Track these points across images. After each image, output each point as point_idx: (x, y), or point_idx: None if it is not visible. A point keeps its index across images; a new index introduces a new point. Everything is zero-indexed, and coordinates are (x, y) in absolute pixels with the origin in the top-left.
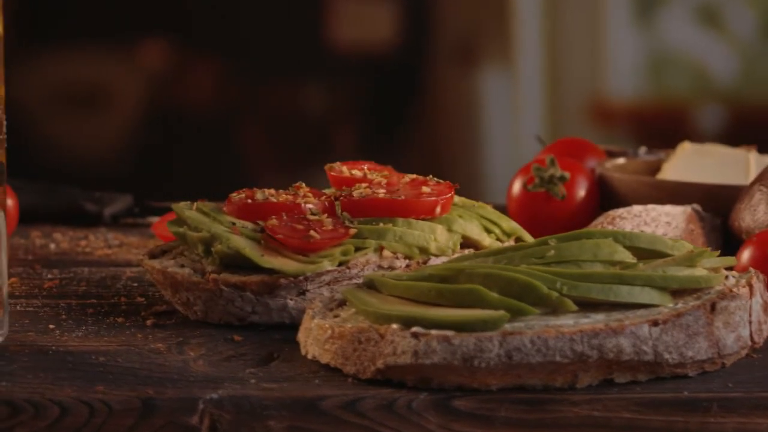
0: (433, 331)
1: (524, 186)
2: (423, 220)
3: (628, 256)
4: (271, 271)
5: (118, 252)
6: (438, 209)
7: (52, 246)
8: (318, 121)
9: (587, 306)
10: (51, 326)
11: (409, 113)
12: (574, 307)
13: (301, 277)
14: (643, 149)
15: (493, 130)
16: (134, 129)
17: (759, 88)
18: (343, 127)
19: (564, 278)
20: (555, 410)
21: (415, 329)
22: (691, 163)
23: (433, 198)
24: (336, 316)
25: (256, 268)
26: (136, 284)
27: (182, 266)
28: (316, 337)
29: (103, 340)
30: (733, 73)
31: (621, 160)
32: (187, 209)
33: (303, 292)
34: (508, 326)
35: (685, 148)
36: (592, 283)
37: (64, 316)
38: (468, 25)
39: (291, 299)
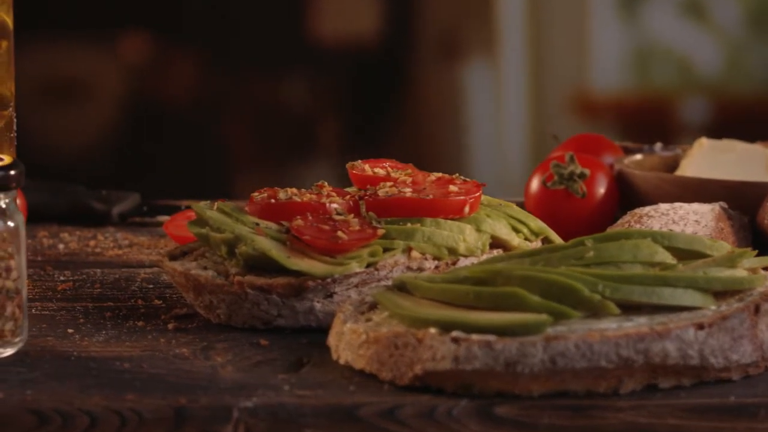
0: (474, 336)
1: (543, 183)
2: (451, 220)
3: (668, 257)
4: (297, 273)
5: (129, 252)
6: (467, 209)
7: (61, 246)
8: (301, 115)
9: (628, 308)
10: (70, 330)
11: (392, 107)
12: (617, 310)
13: (328, 280)
14: (658, 145)
15: (477, 123)
16: (113, 123)
17: (744, 80)
18: (326, 120)
19: (605, 280)
20: (599, 417)
21: (455, 334)
22: (711, 159)
23: (462, 197)
24: (368, 320)
25: (281, 270)
26: (151, 286)
27: (205, 268)
28: (349, 341)
29: (125, 345)
30: (717, 65)
31: (638, 157)
32: (207, 209)
33: (330, 295)
34: (550, 330)
35: (703, 144)
36: (634, 285)
37: (82, 320)
38: (451, 17)
39: (318, 302)
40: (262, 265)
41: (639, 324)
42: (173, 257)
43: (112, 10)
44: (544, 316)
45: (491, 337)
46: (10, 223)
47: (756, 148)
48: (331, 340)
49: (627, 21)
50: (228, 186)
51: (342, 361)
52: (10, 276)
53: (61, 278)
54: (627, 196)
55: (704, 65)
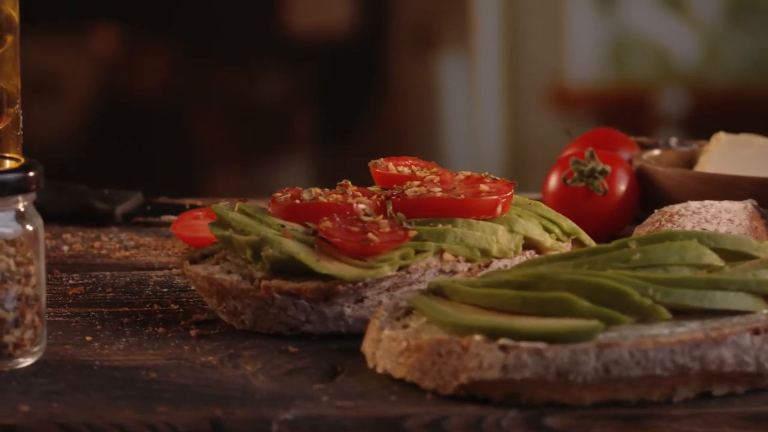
0: (523, 344)
1: (563, 180)
2: (483, 220)
3: (715, 259)
4: (327, 277)
5: (137, 254)
6: (499, 209)
7: (65, 248)
8: (274, 109)
9: (676, 312)
10: (88, 338)
11: (366, 100)
12: (668, 315)
13: (359, 284)
14: (673, 140)
15: (452, 115)
16: (83, 118)
17: (722, 71)
18: (300, 114)
19: (655, 284)
20: (653, 426)
21: (502, 341)
22: (730, 155)
23: (494, 197)
24: (405, 327)
25: (309, 274)
26: (165, 290)
27: (229, 272)
28: (388, 349)
29: (148, 354)
30: (695, 56)
31: (656, 152)
32: (229, 210)
33: (361, 299)
34: (601, 337)
35: (721, 139)
36: (685, 288)
37: (98, 327)
38: (426, 9)
39: (348, 307)
40: (288, 268)
41: (692, 330)
42: (193, 261)
43: (83, 2)
44: (595, 322)
45: (541, 345)
46: (29, 227)
47: None
48: (366, 347)
49: (604, 12)
50: (200, 181)
51: (380, 370)
52: (29, 282)
53: (71, 282)
54: (648, 193)
55: (682, 57)
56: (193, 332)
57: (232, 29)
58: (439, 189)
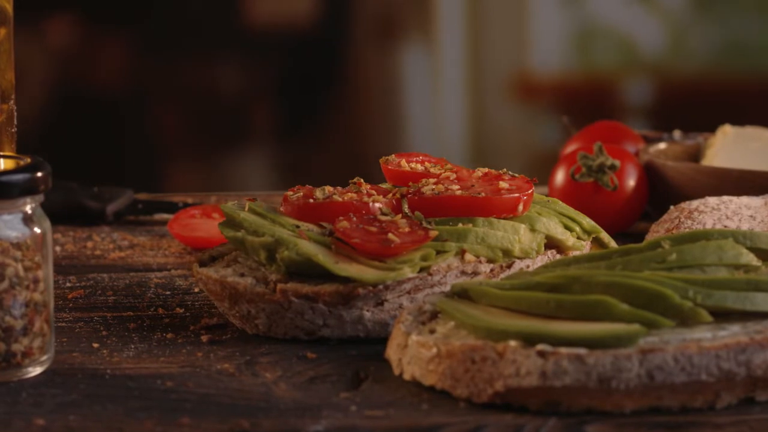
0: (563, 349)
1: (571, 176)
2: (504, 219)
3: (753, 259)
4: (345, 280)
5: (132, 254)
6: (521, 207)
7: (57, 248)
8: (235, 100)
9: (715, 315)
10: (95, 345)
11: (329, 91)
12: (709, 318)
13: (380, 286)
14: (677, 133)
15: (416, 105)
16: (41, 110)
17: (687, 61)
18: (261, 106)
19: (696, 286)
20: None
21: (540, 347)
22: (738, 148)
23: (516, 194)
24: (432, 331)
25: (326, 277)
26: (168, 292)
27: (242, 275)
28: (416, 355)
29: (160, 361)
30: (661, 46)
31: (662, 146)
32: (240, 210)
33: (381, 303)
34: (641, 341)
35: (727, 132)
36: (726, 290)
37: (104, 333)
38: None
39: (368, 310)
40: (304, 270)
41: (735, 333)
42: (202, 263)
43: None
44: (637, 326)
45: (582, 351)
46: (37, 230)
47: None
48: (391, 352)
49: (568, 1)
50: (159, 173)
51: (407, 377)
52: (37, 288)
53: (68, 285)
54: (657, 188)
55: (647, 46)
56: (204, 338)
57: (192, 20)
58: (458, 187)
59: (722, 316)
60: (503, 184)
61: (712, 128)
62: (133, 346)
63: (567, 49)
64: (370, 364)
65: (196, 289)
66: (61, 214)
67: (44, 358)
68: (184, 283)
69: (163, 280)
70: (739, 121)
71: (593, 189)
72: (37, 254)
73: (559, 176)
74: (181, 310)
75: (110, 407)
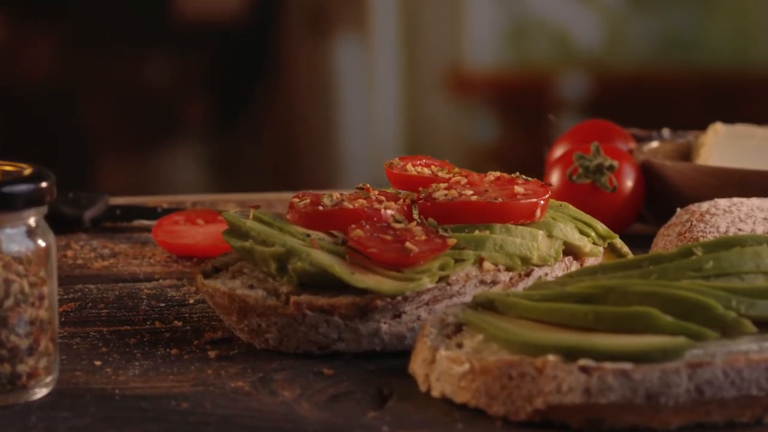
0: (607, 364)
1: (568, 177)
2: (521, 225)
3: None
4: (362, 292)
5: (116, 263)
6: (538, 212)
7: None
8: (164, 96)
9: (757, 324)
10: (97, 363)
11: (261, 86)
12: (753, 329)
13: (399, 298)
14: (665, 131)
15: (349, 100)
16: None
17: (623, 55)
18: (191, 102)
19: (738, 295)
20: None
21: (582, 362)
22: (732, 146)
23: (533, 200)
24: (459, 345)
25: (340, 288)
26: (163, 304)
27: (251, 287)
28: (446, 371)
29: (169, 380)
30: (597, 40)
31: (654, 144)
32: (245, 219)
33: (399, 315)
34: (687, 355)
35: (719, 130)
36: None
37: (104, 349)
38: None
39: (385, 323)
40: (317, 282)
41: None
42: (206, 275)
43: None
44: (683, 339)
45: (627, 365)
46: (41, 243)
47: None
48: (416, 368)
49: None
50: (89, 171)
51: (436, 394)
52: (43, 305)
53: None
54: (654, 188)
55: (583, 40)
56: (211, 353)
57: (121, 14)
58: (472, 192)
59: (763, 325)
60: (518, 189)
61: (652, 123)
62: (137, 364)
63: (502, 44)
64: (392, 380)
65: (191, 300)
66: None
67: (49, 379)
68: (176, 294)
69: (154, 291)
70: (678, 116)
71: (590, 190)
72: (41, 269)
73: (555, 178)
74: (180, 323)
75: (128, 431)
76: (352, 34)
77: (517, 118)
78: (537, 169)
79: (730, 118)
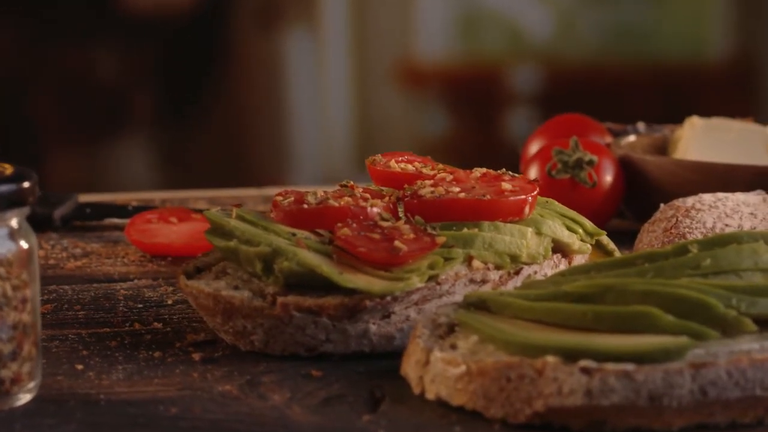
0: (609, 365)
1: (548, 173)
2: (509, 223)
3: None
4: (350, 292)
5: (89, 263)
6: (527, 209)
7: None
8: (113, 87)
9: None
10: (79, 366)
11: (209, 78)
12: (754, 327)
13: (388, 298)
14: (641, 125)
15: (300, 92)
16: None
17: (574, 47)
18: (140, 93)
19: (739, 294)
20: None
21: (583, 363)
22: (709, 140)
23: (522, 197)
24: (453, 346)
25: (327, 288)
26: (140, 305)
27: (236, 288)
28: (441, 373)
29: (155, 384)
30: (549, 32)
31: (632, 138)
32: (228, 218)
33: (388, 315)
34: (689, 355)
35: (695, 124)
36: None
37: (85, 352)
38: None
39: (374, 323)
40: (304, 282)
41: None
42: (188, 275)
43: None
44: (685, 339)
45: (629, 366)
46: (24, 244)
47: (754, 128)
48: (409, 370)
49: None
50: (36, 162)
51: (430, 396)
52: (25, 308)
53: None
54: (633, 183)
55: (535, 32)
56: (195, 356)
57: (70, 5)
58: (459, 189)
59: (764, 324)
60: (506, 186)
61: (605, 115)
62: (120, 367)
63: (453, 36)
64: (383, 382)
65: (170, 301)
66: None
67: (32, 384)
68: (154, 294)
69: (130, 291)
70: (632, 107)
71: (570, 186)
72: (23, 272)
73: (533, 173)
74: (160, 325)
75: None
76: (302, 26)
77: (469, 110)
78: (490, 161)
79: (681, 111)
